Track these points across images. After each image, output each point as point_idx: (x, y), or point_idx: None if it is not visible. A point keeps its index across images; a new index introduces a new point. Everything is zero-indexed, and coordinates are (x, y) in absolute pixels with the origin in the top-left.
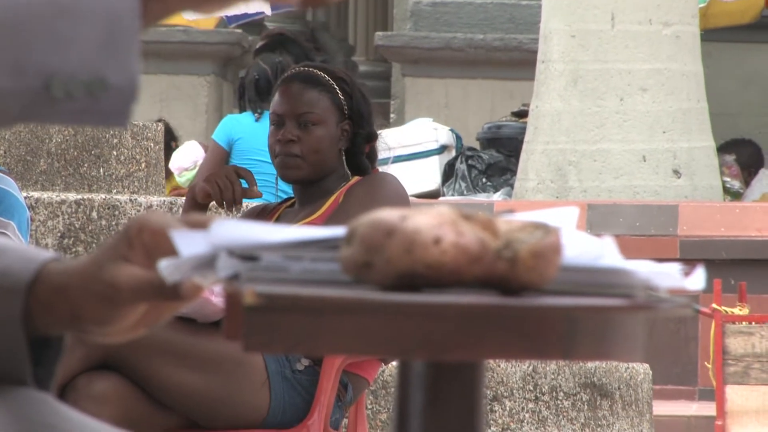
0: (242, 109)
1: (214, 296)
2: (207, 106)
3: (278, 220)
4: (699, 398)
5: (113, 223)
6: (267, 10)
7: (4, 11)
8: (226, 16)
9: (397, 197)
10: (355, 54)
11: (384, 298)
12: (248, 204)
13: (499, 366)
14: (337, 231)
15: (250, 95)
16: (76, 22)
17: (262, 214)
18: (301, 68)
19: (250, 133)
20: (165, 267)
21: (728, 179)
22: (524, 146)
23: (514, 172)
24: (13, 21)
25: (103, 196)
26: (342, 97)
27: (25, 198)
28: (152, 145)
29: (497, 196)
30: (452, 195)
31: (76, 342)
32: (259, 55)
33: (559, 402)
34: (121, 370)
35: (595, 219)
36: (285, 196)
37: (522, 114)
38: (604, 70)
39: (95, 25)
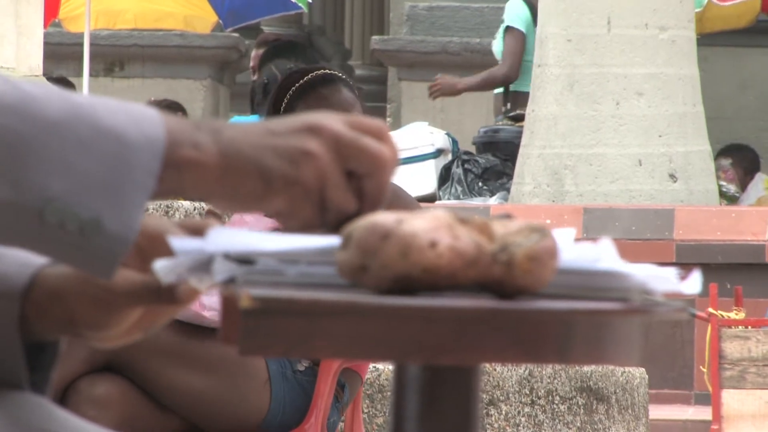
0: (252, 112)
1: (206, 311)
2: (203, 111)
3: None
4: (695, 402)
5: None
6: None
7: (25, 124)
8: (222, 20)
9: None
10: (351, 58)
11: (380, 301)
12: None
13: (495, 370)
14: (333, 240)
15: (258, 99)
16: (89, 157)
17: None
18: (328, 72)
19: None
20: (160, 268)
21: (724, 183)
22: (520, 150)
23: (510, 176)
24: (29, 136)
25: None
26: (359, 101)
27: None
28: None
29: (493, 200)
30: (448, 199)
31: (79, 344)
32: (273, 60)
33: (555, 406)
34: (123, 372)
35: (591, 223)
36: None
37: (518, 118)
38: (600, 74)
39: (107, 167)
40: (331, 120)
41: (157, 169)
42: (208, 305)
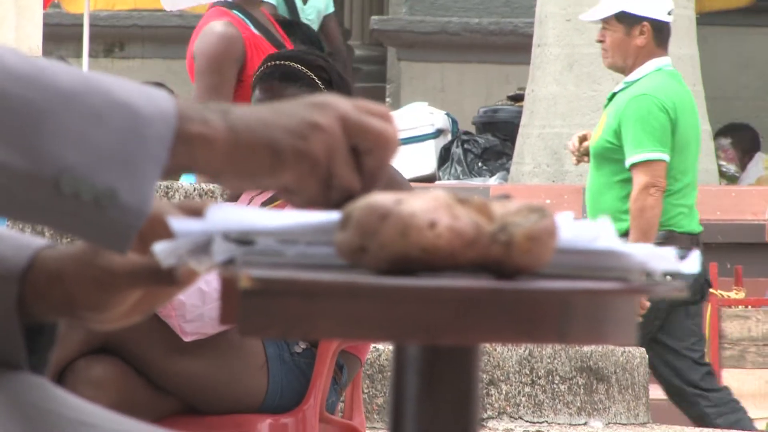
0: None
1: (187, 323)
2: None
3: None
4: None
5: None
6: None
7: (39, 94)
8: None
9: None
10: (350, 38)
11: (378, 282)
12: None
13: (495, 350)
14: (333, 216)
15: None
16: (103, 128)
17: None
18: (277, 62)
19: None
20: (160, 250)
21: (724, 163)
22: (520, 130)
23: (510, 156)
24: (44, 106)
25: None
26: (322, 87)
27: None
28: None
29: (493, 180)
30: (448, 179)
31: (76, 326)
32: None
33: (555, 386)
34: (120, 354)
35: None
36: None
37: (518, 98)
38: (600, 53)
39: (121, 138)
40: (337, 99)
41: (170, 141)
42: (189, 318)
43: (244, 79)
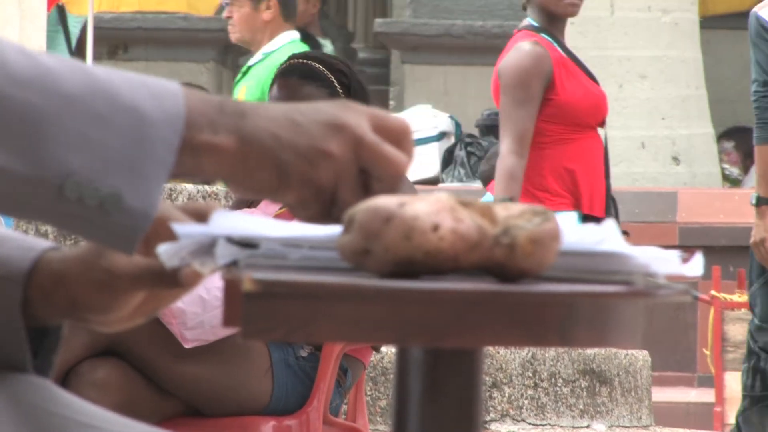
0: None
1: (188, 330)
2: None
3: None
4: (698, 385)
5: None
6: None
7: (43, 98)
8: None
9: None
10: (354, 41)
11: (382, 284)
12: None
13: (498, 353)
14: (335, 230)
15: None
16: (108, 132)
17: None
18: (300, 60)
19: None
20: (163, 251)
21: (727, 166)
22: None
23: None
24: (46, 110)
25: None
26: (340, 91)
27: None
28: None
29: None
30: (451, 182)
31: (80, 328)
32: None
33: (558, 389)
34: (124, 356)
35: None
36: None
37: None
38: (603, 57)
39: (126, 142)
40: (356, 118)
41: (176, 145)
42: (190, 325)
43: (552, 98)
